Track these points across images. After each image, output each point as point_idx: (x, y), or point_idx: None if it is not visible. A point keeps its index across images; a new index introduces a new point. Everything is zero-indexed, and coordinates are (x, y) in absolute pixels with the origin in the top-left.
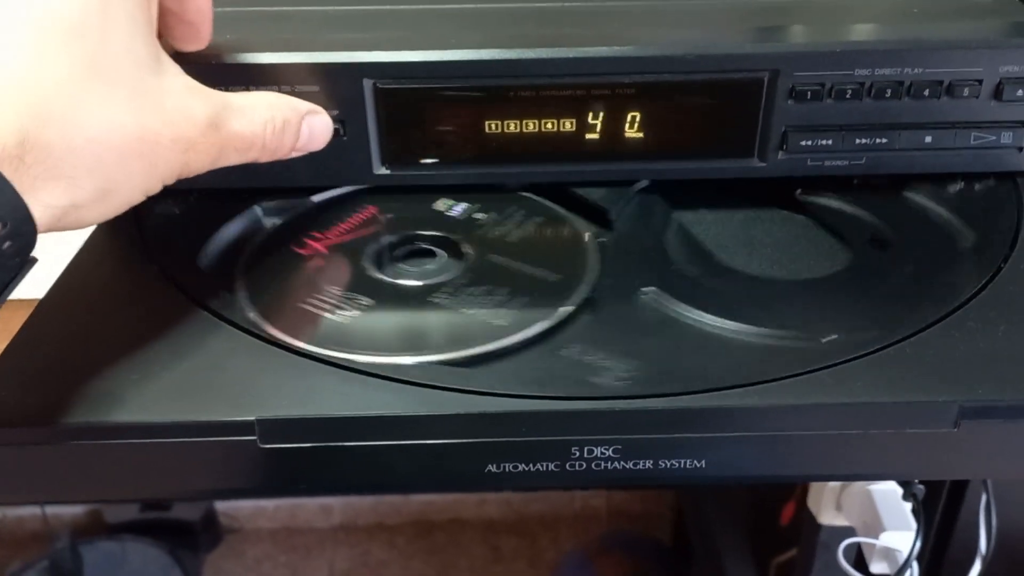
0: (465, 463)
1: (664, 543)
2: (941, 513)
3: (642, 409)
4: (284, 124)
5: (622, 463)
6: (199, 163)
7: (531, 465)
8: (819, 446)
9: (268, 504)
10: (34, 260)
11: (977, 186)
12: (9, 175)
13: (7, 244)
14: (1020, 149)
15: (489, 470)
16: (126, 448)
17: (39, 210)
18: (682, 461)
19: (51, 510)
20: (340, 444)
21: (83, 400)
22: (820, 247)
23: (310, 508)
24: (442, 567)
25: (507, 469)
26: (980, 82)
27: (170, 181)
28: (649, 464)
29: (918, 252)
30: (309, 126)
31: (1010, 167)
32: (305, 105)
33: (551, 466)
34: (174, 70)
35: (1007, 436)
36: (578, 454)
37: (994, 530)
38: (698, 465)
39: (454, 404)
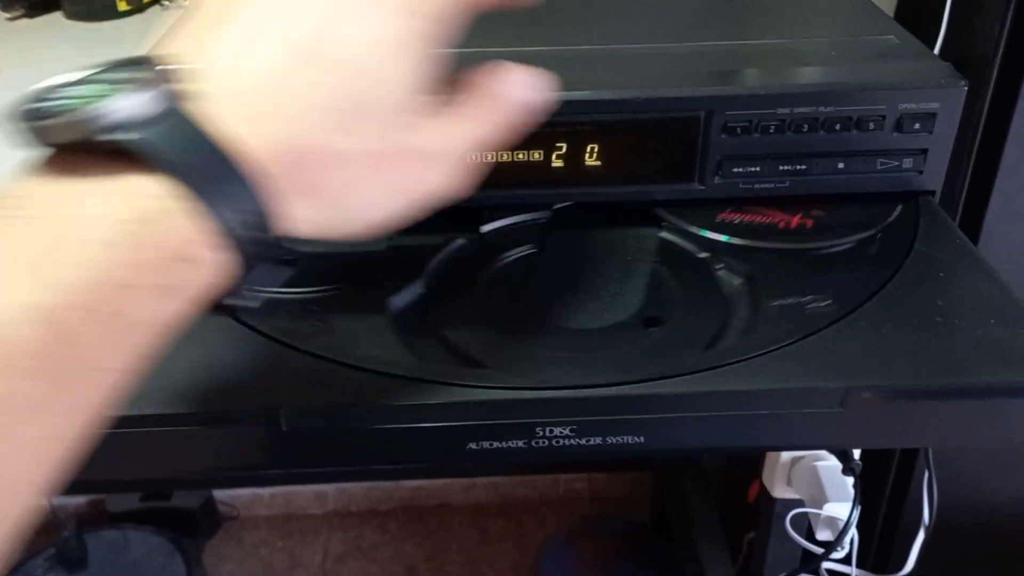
0: (451, 442)
1: (644, 524)
2: (891, 489)
3: (591, 396)
4: None
5: (577, 440)
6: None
7: (503, 443)
8: (736, 424)
9: (264, 492)
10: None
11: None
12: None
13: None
14: (920, 172)
15: (470, 448)
16: (173, 433)
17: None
18: (625, 437)
19: (56, 500)
20: (351, 426)
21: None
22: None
23: (305, 495)
24: (433, 550)
25: (484, 447)
26: (884, 117)
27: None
28: (599, 440)
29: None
30: None
31: (913, 187)
32: None
33: (520, 443)
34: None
35: (886, 414)
36: (541, 433)
37: (935, 503)
38: (639, 440)
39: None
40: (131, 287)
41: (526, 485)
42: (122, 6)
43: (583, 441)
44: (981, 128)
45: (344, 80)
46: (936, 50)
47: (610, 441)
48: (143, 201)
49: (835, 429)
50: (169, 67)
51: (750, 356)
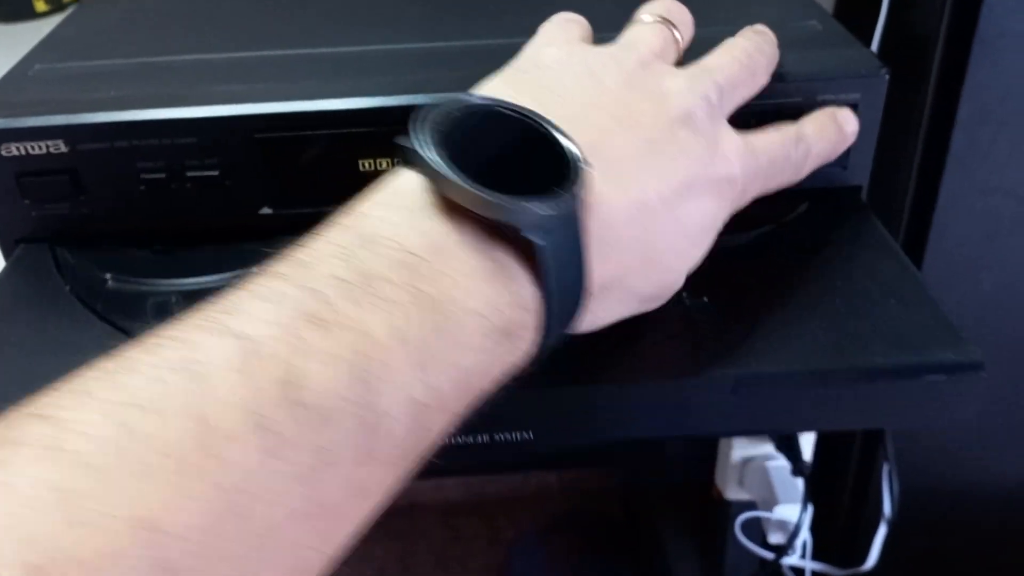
0: None
1: (615, 519)
2: (852, 481)
3: None
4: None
5: (463, 438)
6: None
7: None
8: (633, 411)
9: None
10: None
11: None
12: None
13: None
14: (844, 167)
15: None
16: None
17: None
18: (513, 433)
19: None
20: None
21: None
22: None
23: None
24: (403, 552)
25: None
26: (802, 109)
27: None
28: (486, 438)
29: None
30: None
31: (837, 182)
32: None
33: None
34: None
35: (777, 400)
36: None
37: (896, 495)
38: (528, 436)
39: None
40: (477, 394)
41: (497, 482)
42: (40, 6)
43: (469, 439)
44: (927, 112)
45: (679, 240)
46: (878, 30)
47: (498, 438)
48: (516, 314)
49: (729, 416)
50: (584, 169)
51: (643, 346)
